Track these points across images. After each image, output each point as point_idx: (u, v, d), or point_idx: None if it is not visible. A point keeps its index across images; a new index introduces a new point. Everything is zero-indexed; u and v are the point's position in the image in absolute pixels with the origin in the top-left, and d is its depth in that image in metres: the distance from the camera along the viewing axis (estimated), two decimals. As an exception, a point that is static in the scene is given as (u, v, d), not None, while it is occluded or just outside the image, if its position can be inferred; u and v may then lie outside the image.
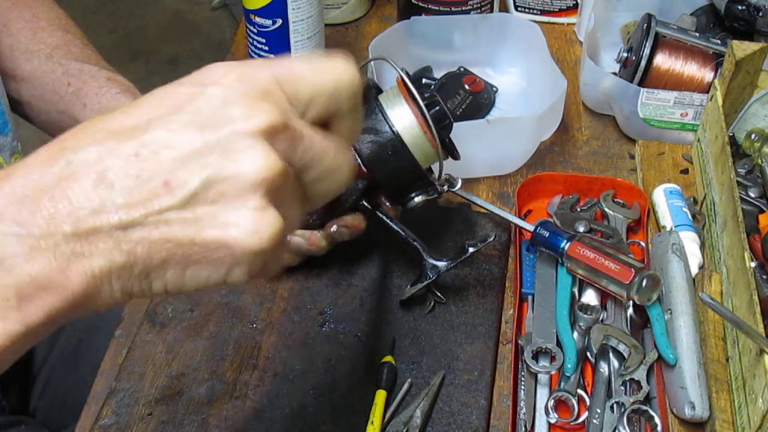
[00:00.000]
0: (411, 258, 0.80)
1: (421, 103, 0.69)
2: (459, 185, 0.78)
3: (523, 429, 0.70)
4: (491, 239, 0.78)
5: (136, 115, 0.41)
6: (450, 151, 0.75)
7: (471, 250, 0.76)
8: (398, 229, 0.77)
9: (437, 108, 0.71)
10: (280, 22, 0.95)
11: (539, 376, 0.73)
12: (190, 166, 0.40)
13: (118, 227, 0.39)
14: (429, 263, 0.76)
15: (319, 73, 0.45)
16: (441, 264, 0.76)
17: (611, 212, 0.86)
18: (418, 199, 0.74)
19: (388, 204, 0.76)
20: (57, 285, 0.39)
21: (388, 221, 0.77)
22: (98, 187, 0.39)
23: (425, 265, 0.76)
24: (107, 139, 0.40)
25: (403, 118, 0.70)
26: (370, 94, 0.72)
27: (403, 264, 0.83)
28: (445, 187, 0.76)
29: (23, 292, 0.38)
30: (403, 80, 0.71)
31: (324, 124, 0.46)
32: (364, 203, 0.75)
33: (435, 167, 0.76)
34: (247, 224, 0.40)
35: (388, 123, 0.70)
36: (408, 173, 0.72)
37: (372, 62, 0.91)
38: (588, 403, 0.71)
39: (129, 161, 0.39)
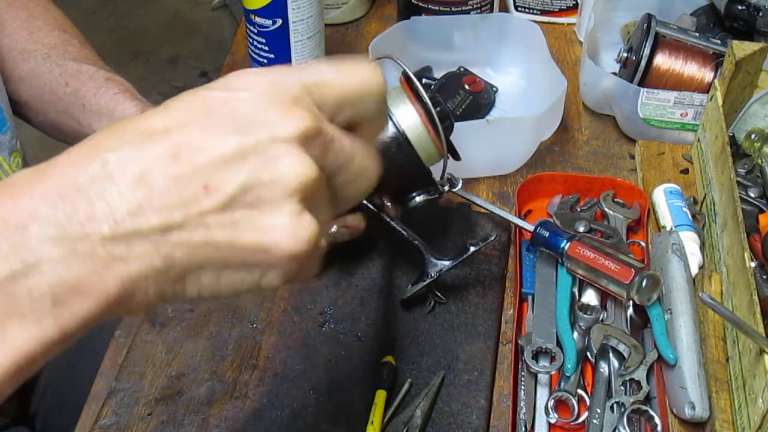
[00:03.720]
0: (411, 258, 0.80)
1: (428, 102, 0.69)
2: (460, 185, 0.78)
3: (523, 429, 0.70)
4: (492, 238, 0.78)
5: (169, 118, 0.41)
6: (452, 151, 0.75)
7: (472, 249, 0.76)
8: (399, 229, 0.77)
9: (439, 108, 0.72)
10: (280, 22, 0.95)
11: (539, 376, 0.73)
12: (229, 169, 0.39)
13: (158, 230, 0.39)
14: (430, 262, 0.76)
15: (346, 79, 0.45)
16: (442, 263, 0.76)
17: (611, 212, 0.86)
18: (419, 199, 0.74)
19: (388, 204, 0.76)
20: (93, 290, 0.38)
21: (389, 221, 0.77)
22: (137, 188, 0.38)
23: (426, 264, 0.76)
24: (143, 140, 0.39)
25: (407, 118, 0.70)
26: None
27: (403, 264, 0.83)
28: (447, 187, 0.76)
29: (59, 297, 0.37)
30: (408, 79, 0.71)
31: (349, 126, 0.46)
32: (365, 203, 0.75)
33: (433, 167, 0.76)
34: (285, 228, 0.40)
35: (393, 122, 0.70)
36: (411, 173, 0.72)
37: (375, 61, 0.91)
38: (588, 403, 0.71)
39: (167, 163, 0.39)
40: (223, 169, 0.39)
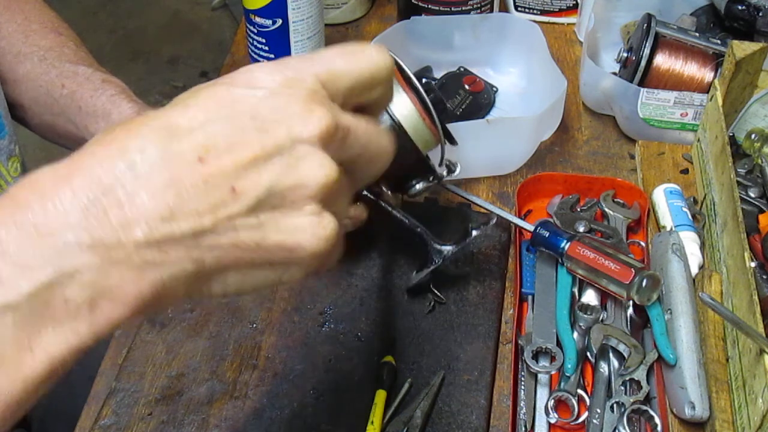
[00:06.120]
0: (412, 257, 0.80)
1: (420, 89, 0.69)
2: (458, 170, 0.78)
3: (523, 429, 0.70)
4: (494, 221, 0.78)
5: (189, 116, 0.41)
6: (447, 135, 0.75)
7: (474, 233, 0.76)
8: (401, 217, 0.77)
9: (432, 95, 0.71)
10: (280, 22, 0.95)
11: (539, 376, 0.73)
12: (255, 172, 0.40)
13: (190, 235, 0.39)
14: (434, 249, 0.76)
15: (355, 65, 0.45)
16: (446, 248, 0.76)
17: (611, 212, 0.86)
18: (419, 186, 0.74)
19: (389, 193, 0.76)
20: (129, 296, 0.38)
21: (390, 209, 0.77)
22: (167, 192, 0.38)
23: (430, 251, 0.76)
24: (167, 140, 0.39)
25: (401, 107, 0.70)
26: None
27: (403, 264, 0.83)
28: (445, 172, 0.76)
29: (94, 304, 0.38)
30: (400, 68, 0.71)
31: (359, 106, 0.47)
32: (366, 193, 0.75)
33: (431, 155, 0.76)
34: (308, 229, 0.42)
35: (388, 112, 0.70)
36: (409, 161, 0.72)
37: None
38: (588, 403, 0.71)
39: (194, 166, 0.39)
40: (249, 171, 0.40)
